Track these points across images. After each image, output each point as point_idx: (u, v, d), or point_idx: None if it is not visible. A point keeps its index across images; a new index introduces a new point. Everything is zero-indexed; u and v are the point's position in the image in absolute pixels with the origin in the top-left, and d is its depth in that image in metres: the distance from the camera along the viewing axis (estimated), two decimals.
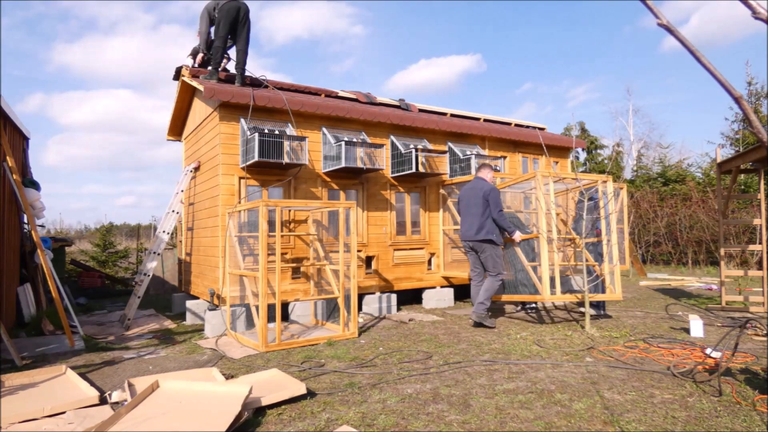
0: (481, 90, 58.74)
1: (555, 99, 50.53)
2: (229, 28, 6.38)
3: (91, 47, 77.31)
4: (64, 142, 68.04)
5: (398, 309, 6.83)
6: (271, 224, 5.57)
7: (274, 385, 3.42)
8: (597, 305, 6.17)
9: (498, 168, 7.37)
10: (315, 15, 67.53)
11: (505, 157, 8.37)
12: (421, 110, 8.10)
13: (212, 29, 6.60)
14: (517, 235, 5.75)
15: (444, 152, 7.23)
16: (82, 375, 3.96)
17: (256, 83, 6.75)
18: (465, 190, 5.97)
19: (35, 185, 6.50)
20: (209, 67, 6.47)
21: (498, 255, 5.70)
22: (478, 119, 8.78)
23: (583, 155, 21.88)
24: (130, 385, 3.42)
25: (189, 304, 6.50)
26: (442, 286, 7.30)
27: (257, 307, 5.01)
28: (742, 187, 13.36)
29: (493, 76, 58.13)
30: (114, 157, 67.68)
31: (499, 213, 5.65)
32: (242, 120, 5.92)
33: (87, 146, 68.80)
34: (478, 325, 5.61)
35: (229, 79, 6.58)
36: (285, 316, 6.10)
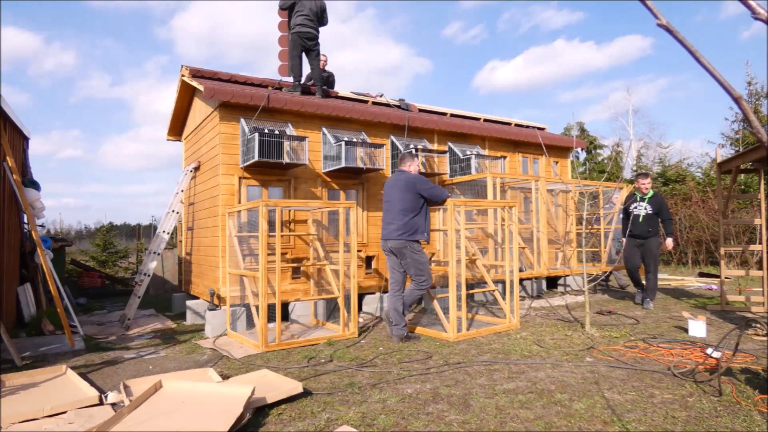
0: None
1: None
2: (300, 50, 6.87)
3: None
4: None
5: None
6: (271, 224, 5.57)
7: (267, 384, 3.42)
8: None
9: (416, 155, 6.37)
10: None
11: (505, 157, 8.37)
12: (421, 110, 8.10)
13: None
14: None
15: (444, 152, 7.24)
16: (82, 375, 3.96)
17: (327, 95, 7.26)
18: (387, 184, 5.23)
19: (35, 185, 6.50)
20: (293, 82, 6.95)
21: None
22: (478, 119, 8.78)
23: (582, 155, 21.89)
24: (126, 387, 3.42)
25: (189, 303, 6.50)
26: (442, 286, 7.30)
27: (257, 307, 5.01)
28: (742, 187, 13.36)
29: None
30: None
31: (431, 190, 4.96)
32: (242, 120, 5.92)
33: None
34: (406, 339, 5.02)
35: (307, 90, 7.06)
36: (285, 316, 6.10)
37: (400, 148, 6.89)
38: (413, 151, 6.67)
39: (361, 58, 66.22)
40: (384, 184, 5.30)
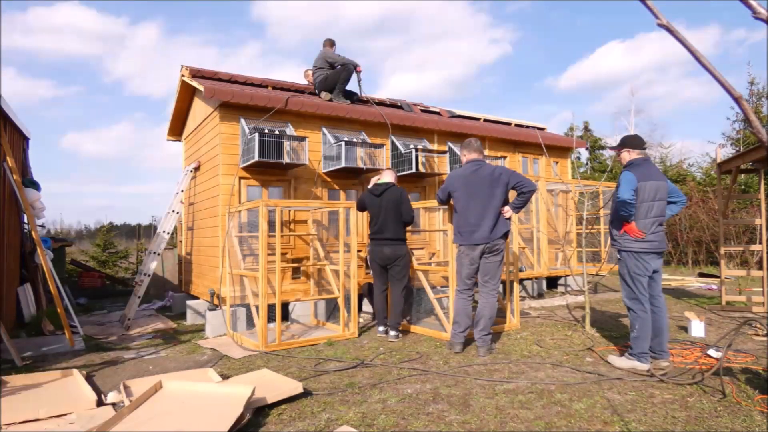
0: None
1: None
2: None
3: None
4: None
5: None
6: (271, 224, 5.57)
7: (267, 384, 3.42)
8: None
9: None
10: None
11: (505, 157, 8.37)
12: (422, 110, 8.10)
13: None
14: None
15: (444, 152, 7.24)
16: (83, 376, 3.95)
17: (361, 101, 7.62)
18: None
19: (35, 185, 6.50)
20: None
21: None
22: (478, 119, 8.78)
23: (585, 155, 21.90)
24: (126, 387, 3.42)
25: (189, 303, 6.50)
26: (442, 286, 7.29)
27: (257, 307, 5.01)
28: (742, 187, 13.35)
29: None
30: None
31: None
32: (242, 120, 5.92)
33: None
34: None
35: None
36: (285, 316, 6.09)
37: (400, 148, 6.89)
38: (414, 150, 6.66)
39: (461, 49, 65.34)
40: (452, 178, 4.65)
